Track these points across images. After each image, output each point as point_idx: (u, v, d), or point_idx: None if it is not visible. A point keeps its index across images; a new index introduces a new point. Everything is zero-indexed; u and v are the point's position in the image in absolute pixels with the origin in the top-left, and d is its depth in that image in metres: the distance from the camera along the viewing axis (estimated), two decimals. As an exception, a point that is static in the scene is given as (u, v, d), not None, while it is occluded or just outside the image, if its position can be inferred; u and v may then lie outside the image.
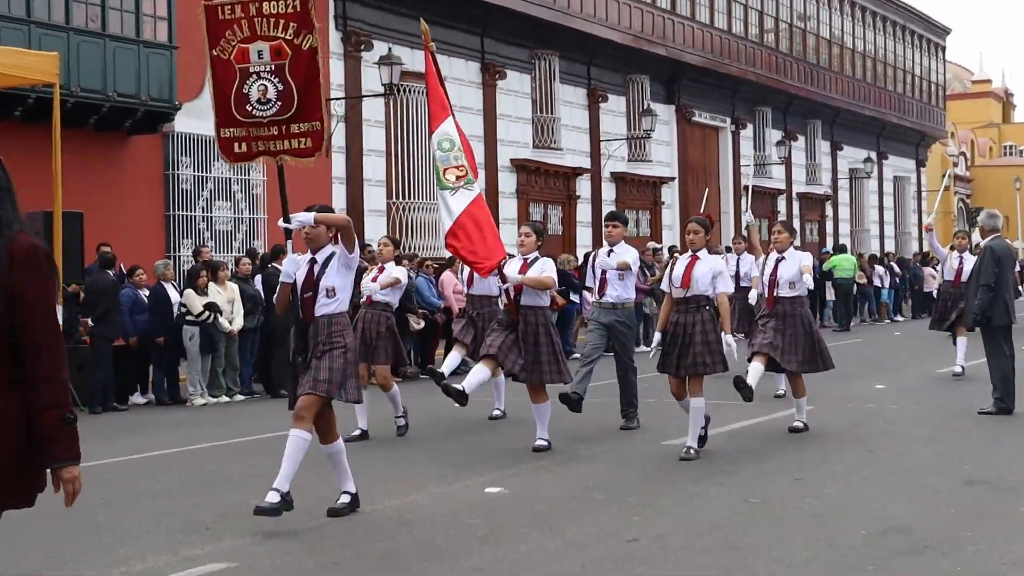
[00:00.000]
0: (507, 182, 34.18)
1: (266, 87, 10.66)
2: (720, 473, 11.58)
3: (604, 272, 14.37)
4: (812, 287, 14.55)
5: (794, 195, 48.82)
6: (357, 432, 13.99)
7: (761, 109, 46.52)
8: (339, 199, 28.97)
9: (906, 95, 56.93)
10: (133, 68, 23.44)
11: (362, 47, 29.59)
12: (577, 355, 22.05)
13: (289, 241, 10.18)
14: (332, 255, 9.56)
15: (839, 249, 38.83)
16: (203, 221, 25.91)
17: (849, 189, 54.10)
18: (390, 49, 28.93)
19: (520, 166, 34.67)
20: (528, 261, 13.23)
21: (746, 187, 31.12)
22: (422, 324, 21.63)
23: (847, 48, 51.96)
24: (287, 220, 9.84)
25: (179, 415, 17.69)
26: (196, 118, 25.54)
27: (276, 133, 10.74)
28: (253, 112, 10.67)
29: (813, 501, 10.14)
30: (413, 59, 30.30)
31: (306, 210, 9.68)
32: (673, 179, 41.46)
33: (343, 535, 9.16)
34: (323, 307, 9.48)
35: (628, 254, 14.41)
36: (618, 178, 38.83)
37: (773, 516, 9.56)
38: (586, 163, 37.37)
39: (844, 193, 53.54)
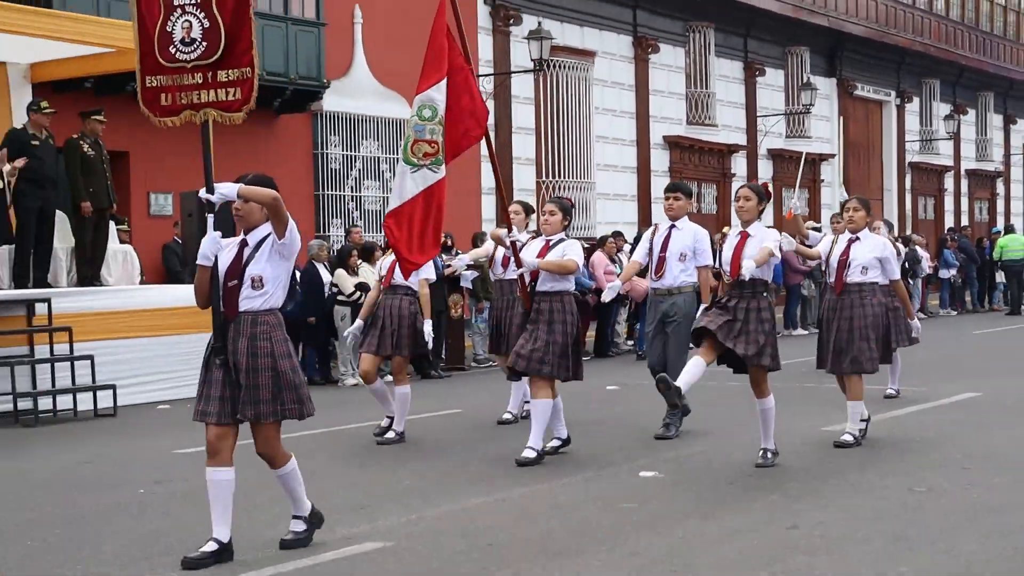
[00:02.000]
0: (659, 160, 34.15)
1: (191, 24, 9.07)
2: (884, 461, 11.57)
3: (664, 252, 12.95)
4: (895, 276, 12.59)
5: (962, 172, 48.18)
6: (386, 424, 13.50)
7: (928, 81, 45.87)
8: (488, 178, 29.18)
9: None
10: (281, 46, 23.84)
11: (511, 21, 29.69)
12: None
13: (210, 216, 8.14)
14: (267, 238, 7.97)
15: (1008, 230, 38.26)
16: (352, 201, 26.27)
17: (1023, 165, 53.18)
18: (540, 23, 28.98)
19: (673, 143, 34.62)
20: (551, 243, 11.74)
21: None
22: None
23: None
24: (210, 191, 8.06)
25: (330, 395, 17.85)
26: (344, 96, 25.95)
27: (201, 82, 9.11)
28: (177, 55, 9.09)
29: (984, 492, 10.03)
30: (563, 33, 30.45)
31: (237, 181, 8.20)
32: (834, 156, 41.10)
33: (495, 517, 9.30)
34: (247, 300, 7.83)
35: (693, 232, 13.15)
36: (775, 155, 38.63)
37: (940, 507, 9.49)
38: (742, 140, 37.26)
39: (1017, 170, 52.62)
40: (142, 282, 19.54)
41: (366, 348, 13.58)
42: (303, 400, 7.96)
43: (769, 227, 11.11)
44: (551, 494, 10.16)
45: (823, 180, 40.68)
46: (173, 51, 9.05)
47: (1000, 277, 36.23)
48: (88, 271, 18.04)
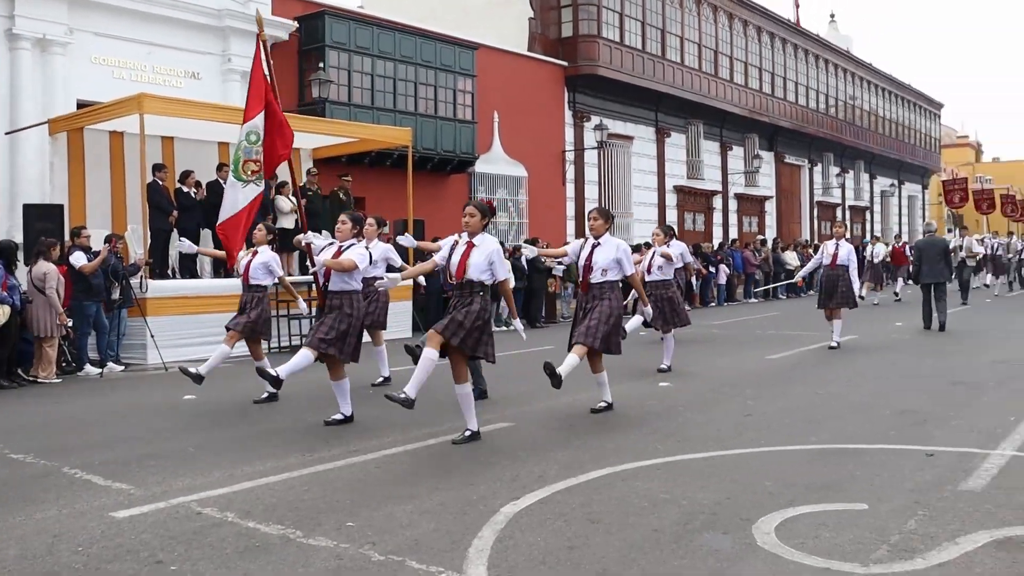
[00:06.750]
0: (671, 200, 33.92)
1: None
2: (801, 376, 11.49)
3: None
4: (628, 272, 9.08)
5: (846, 207, 47.50)
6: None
7: (826, 154, 45.14)
8: (570, 209, 29.22)
9: (916, 145, 54.73)
10: (452, 135, 23.97)
11: (584, 119, 29.63)
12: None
13: None
14: None
15: (875, 240, 37.67)
16: (491, 225, 26.30)
17: (880, 203, 52.42)
18: (601, 120, 28.96)
19: (679, 189, 34.38)
20: (342, 248, 8.70)
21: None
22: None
23: (879, 116, 50.11)
24: None
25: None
26: (487, 164, 26.03)
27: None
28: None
29: (858, 393, 10.00)
30: (615, 126, 30.34)
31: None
32: (772, 197, 40.65)
33: (578, 409, 9.35)
34: None
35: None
36: (738, 196, 38.16)
37: (833, 403, 9.45)
38: (719, 187, 36.80)
39: (877, 205, 51.96)
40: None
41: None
42: None
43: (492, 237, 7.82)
44: (623, 395, 10.13)
45: (767, 212, 40.23)
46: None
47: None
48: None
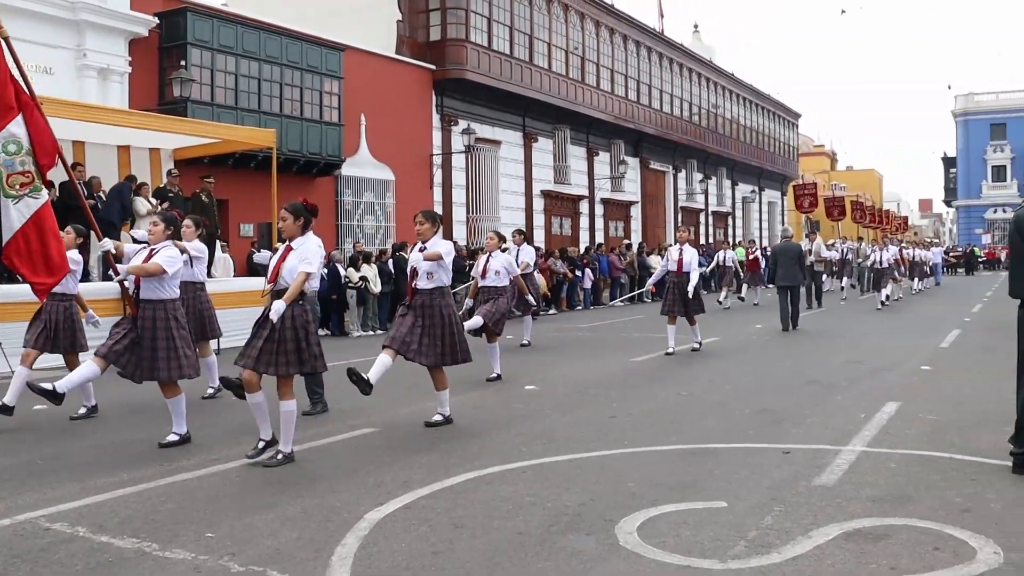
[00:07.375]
0: (538, 204, 34.19)
1: None
2: (665, 378, 11.67)
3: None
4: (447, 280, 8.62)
5: (710, 212, 48.73)
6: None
7: (690, 160, 46.27)
8: (437, 206, 29.19)
9: (775, 153, 56.70)
10: (318, 137, 23.66)
11: (452, 123, 29.63)
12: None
13: None
14: None
15: (735, 245, 38.81)
16: (358, 228, 26.11)
17: (742, 209, 54.00)
18: (469, 124, 28.99)
19: (546, 194, 34.68)
20: (154, 251, 7.79)
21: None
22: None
23: (741, 125, 51.69)
24: None
25: (342, 342, 17.63)
26: (354, 166, 25.76)
27: None
28: None
29: (719, 394, 10.21)
30: (482, 130, 30.42)
31: None
32: (637, 202, 41.38)
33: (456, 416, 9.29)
34: None
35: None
36: (605, 201, 38.72)
37: (695, 403, 9.63)
38: (585, 192, 37.28)
39: (739, 211, 53.49)
40: (235, 276, 19.36)
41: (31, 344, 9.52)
42: None
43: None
44: (470, 401, 10.13)
45: (632, 216, 40.93)
46: None
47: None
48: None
